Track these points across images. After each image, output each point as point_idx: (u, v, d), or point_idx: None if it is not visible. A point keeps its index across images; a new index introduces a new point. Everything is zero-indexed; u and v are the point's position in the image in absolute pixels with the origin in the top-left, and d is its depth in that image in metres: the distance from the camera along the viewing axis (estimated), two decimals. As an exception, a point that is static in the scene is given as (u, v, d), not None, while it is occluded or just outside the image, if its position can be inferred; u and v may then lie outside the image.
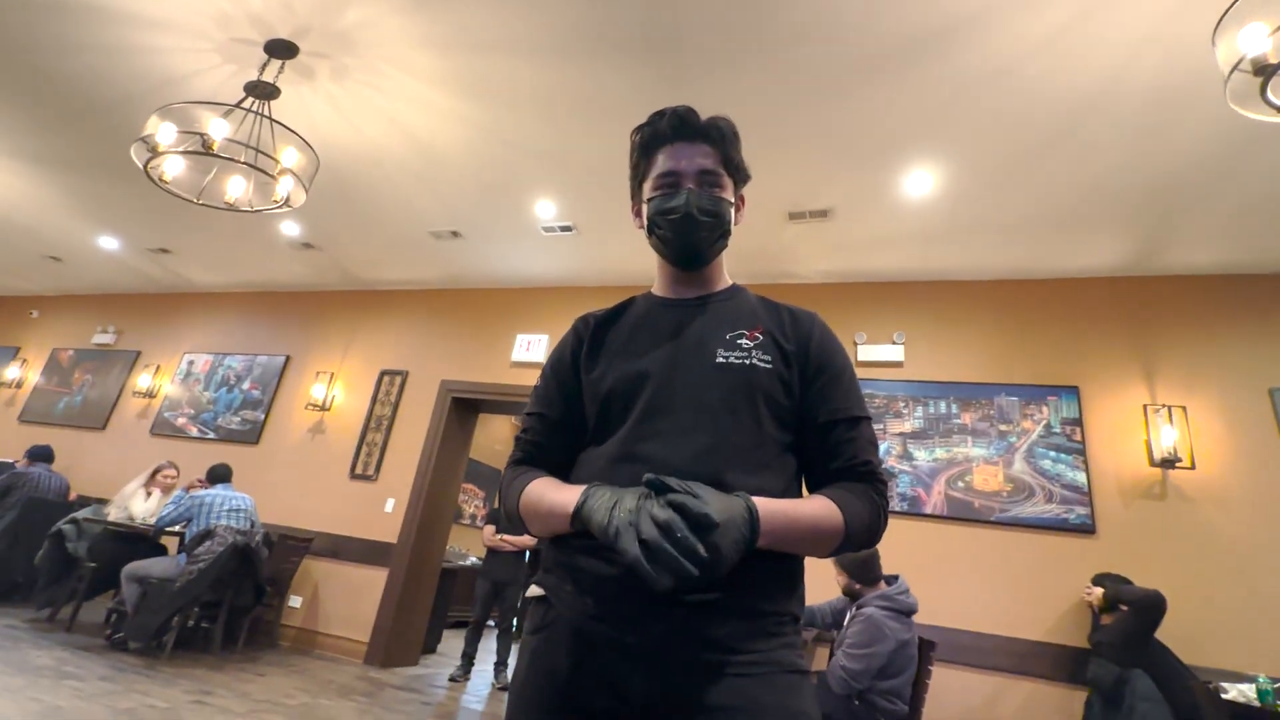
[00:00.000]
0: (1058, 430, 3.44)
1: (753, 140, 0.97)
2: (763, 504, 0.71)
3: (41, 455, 4.83)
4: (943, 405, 3.69)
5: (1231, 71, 1.64)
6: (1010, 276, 3.84)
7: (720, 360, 0.83)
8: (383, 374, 5.04)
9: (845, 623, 2.56)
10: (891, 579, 2.63)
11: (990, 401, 3.61)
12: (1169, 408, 3.26)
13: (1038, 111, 2.62)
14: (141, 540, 4.05)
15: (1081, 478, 3.31)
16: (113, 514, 4.12)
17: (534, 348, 4.66)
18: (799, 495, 0.84)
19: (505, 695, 3.99)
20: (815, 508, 0.76)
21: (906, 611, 2.49)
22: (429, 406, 4.79)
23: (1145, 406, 3.34)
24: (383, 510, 4.59)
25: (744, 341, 0.85)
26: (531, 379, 4.57)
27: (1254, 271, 3.44)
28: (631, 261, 4.34)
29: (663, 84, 2.75)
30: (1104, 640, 2.78)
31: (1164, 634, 2.70)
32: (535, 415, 0.94)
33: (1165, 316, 3.51)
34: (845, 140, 2.93)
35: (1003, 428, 3.54)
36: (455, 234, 4.33)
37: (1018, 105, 2.60)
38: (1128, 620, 2.72)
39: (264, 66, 2.85)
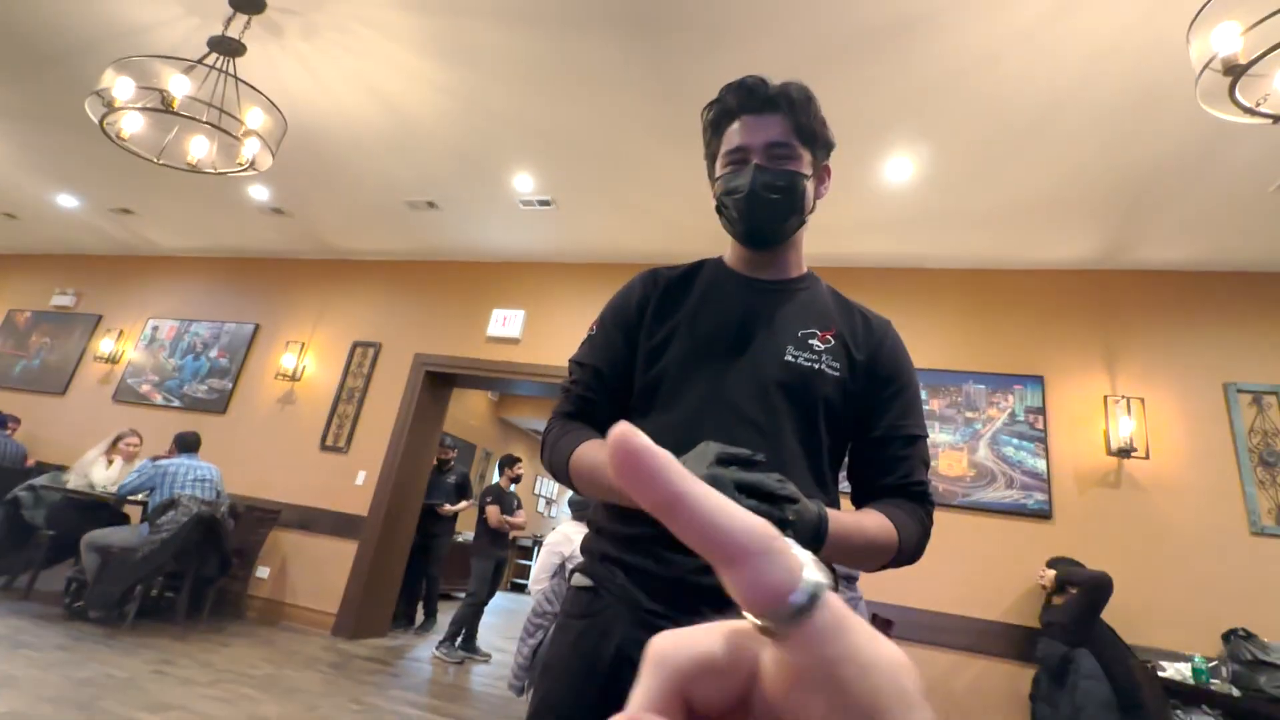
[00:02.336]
0: (1021, 418, 3.52)
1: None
2: (832, 514, 0.68)
3: (-3, 420, 4.68)
4: (912, 391, 3.75)
5: (1202, 71, 1.66)
6: (983, 266, 3.89)
7: (789, 358, 0.80)
8: (355, 345, 4.95)
9: None
10: None
11: (959, 389, 3.68)
12: (1128, 399, 3.36)
13: (1016, 103, 2.63)
14: (102, 509, 3.97)
15: (1042, 465, 3.40)
16: (72, 481, 4.02)
17: (510, 323, 4.61)
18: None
19: (471, 666, 4.03)
20: (874, 524, 0.74)
21: (845, 577, 2.59)
22: (402, 379, 4.74)
23: (1105, 397, 3.43)
24: (353, 483, 4.54)
25: (815, 343, 0.82)
26: (507, 354, 4.54)
27: (1216, 269, 3.53)
28: (611, 238, 4.30)
29: (644, 59, 2.70)
30: (1054, 620, 2.89)
31: (1110, 615, 2.81)
32: (589, 368, 0.88)
33: (1129, 310, 3.60)
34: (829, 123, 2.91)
35: (969, 415, 3.62)
36: (431, 204, 4.24)
37: (997, 94, 2.61)
38: (1077, 601, 2.83)
39: (229, 21, 2.72)
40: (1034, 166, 2.99)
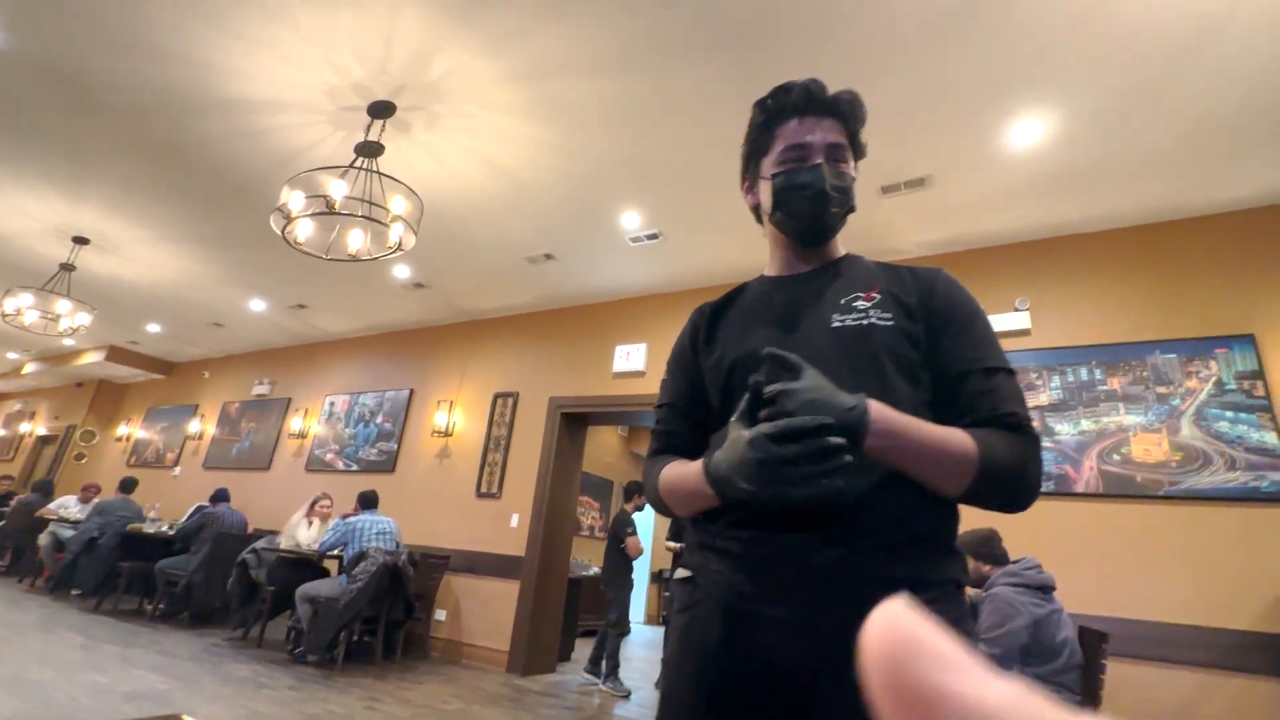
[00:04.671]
0: (1233, 386, 2.99)
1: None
2: (877, 405, 0.67)
3: (221, 496, 5.56)
4: (1083, 372, 3.33)
5: None
6: (1150, 220, 3.41)
7: (836, 324, 0.80)
8: (496, 397, 5.34)
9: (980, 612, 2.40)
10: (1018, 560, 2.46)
11: (1143, 361, 3.21)
12: (1382, 346, 2.74)
13: (1162, 24, 2.32)
14: (309, 564, 4.54)
15: (1271, 438, 2.85)
16: (283, 543, 4.65)
17: (633, 357, 4.74)
18: None
19: (631, 697, 4.04)
20: (943, 430, 0.70)
21: (1039, 587, 2.31)
22: (541, 423, 5.01)
23: (1349, 348, 2.83)
24: (509, 526, 4.83)
25: (860, 303, 0.82)
26: (634, 388, 4.66)
27: None
28: (720, 260, 4.32)
29: (733, 78, 2.73)
30: (1327, 625, 2.36)
31: None
32: (665, 406, 0.96)
33: (1363, 240, 2.97)
34: (936, 101, 2.75)
35: (1161, 390, 3.13)
36: (549, 256, 4.52)
37: (1135, 25, 2.32)
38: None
39: (368, 127, 3.15)
40: (1197, 92, 2.60)
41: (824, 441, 0.61)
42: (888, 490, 0.69)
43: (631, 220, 3.95)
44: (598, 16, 2.50)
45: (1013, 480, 0.70)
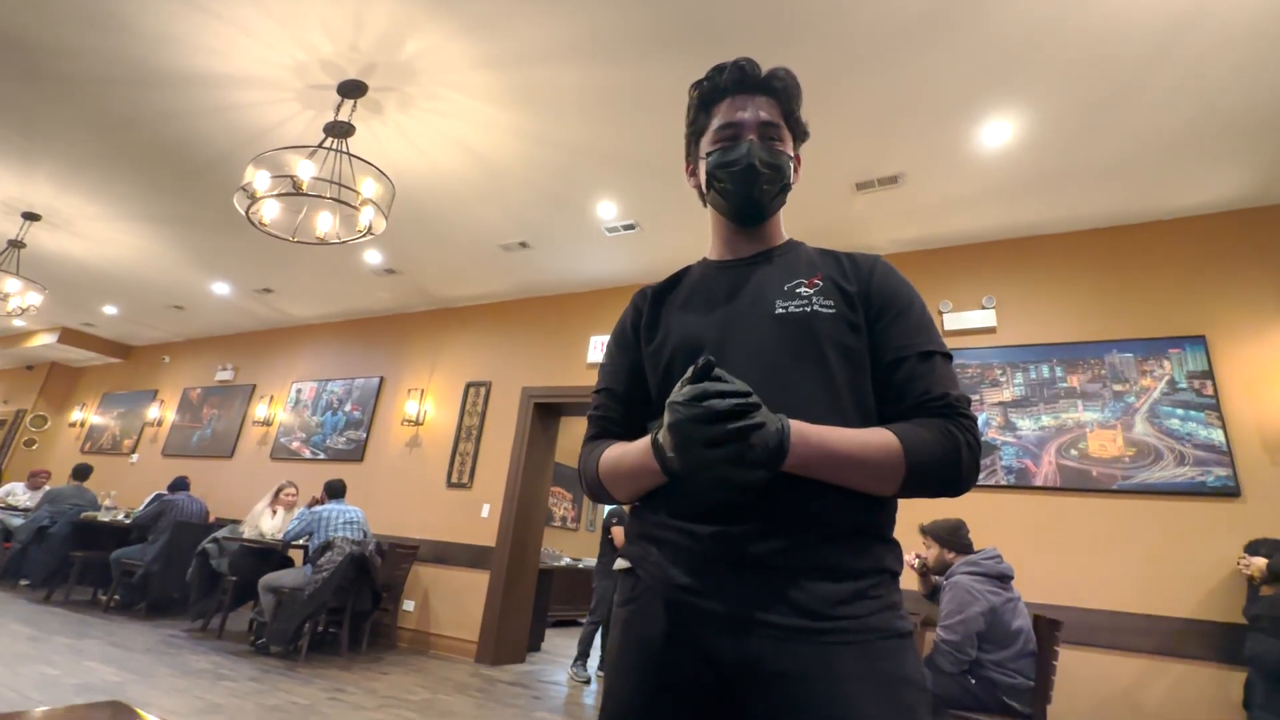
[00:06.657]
0: (1184, 385, 3.11)
1: (809, 112, 0.93)
2: (798, 425, 0.68)
3: (180, 484, 5.39)
4: (1045, 369, 3.43)
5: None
6: (1112, 223, 3.52)
7: (780, 311, 0.80)
8: (468, 386, 5.27)
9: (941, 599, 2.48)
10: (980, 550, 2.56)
11: (1100, 360, 3.32)
12: (1321, 349, 2.88)
13: (1125, 37, 2.38)
14: (272, 554, 4.44)
15: (1218, 435, 2.98)
16: (246, 532, 4.54)
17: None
18: None
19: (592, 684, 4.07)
20: (865, 434, 0.71)
21: (997, 576, 2.41)
22: (513, 413, 4.97)
23: (1291, 350, 2.96)
24: (479, 516, 4.80)
25: (803, 290, 0.81)
26: (608, 379, 4.64)
27: None
28: (698, 253, 4.29)
29: (705, 70, 2.72)
30: (1263, 614, 2.49)
31: (1338, 604, 2.38)
32: (604, 390, 0.94)
33: (1307, 248, 3.10)
34: (910, 101, 2.79)
35: (1118, 388, 3.25)
36: (523, 245, 4.47)
37: (1099, 36, 2.38)
38: (1291, 590, 2.42)
39: (339, 107, 3.06)
40: (1158, 104, 2.69)
41: (734, 402, 0.61)
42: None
43: (608, 210, 3.92)
44: (576, 4, 2.46)
45: (943, 472, 0.71)
